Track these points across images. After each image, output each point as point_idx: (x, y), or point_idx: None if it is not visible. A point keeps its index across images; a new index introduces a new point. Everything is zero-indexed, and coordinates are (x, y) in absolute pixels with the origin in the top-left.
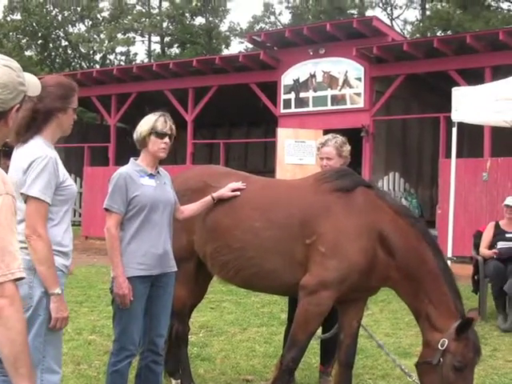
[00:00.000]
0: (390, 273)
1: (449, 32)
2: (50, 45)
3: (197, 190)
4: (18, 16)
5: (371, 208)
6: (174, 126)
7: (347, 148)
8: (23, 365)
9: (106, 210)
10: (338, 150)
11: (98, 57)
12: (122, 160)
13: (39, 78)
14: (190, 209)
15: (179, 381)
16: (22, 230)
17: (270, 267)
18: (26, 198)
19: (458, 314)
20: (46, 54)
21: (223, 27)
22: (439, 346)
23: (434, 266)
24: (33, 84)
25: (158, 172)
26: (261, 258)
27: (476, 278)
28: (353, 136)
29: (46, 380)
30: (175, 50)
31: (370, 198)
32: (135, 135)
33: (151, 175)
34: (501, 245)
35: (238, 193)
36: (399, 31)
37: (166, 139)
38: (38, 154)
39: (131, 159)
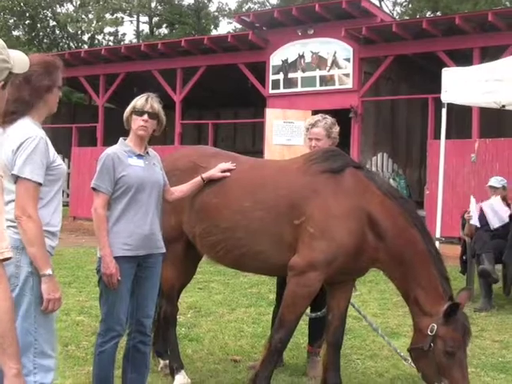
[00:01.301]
0: (378, 255)
1: (438, 13)
2: (38, 25)
3: (186, 171)
4: None
5: (360, 189)
6: (157, 106)
7: (336, 129)
8: (10, 344)
9: (94, 189)
10: (327, 131)
11: (86, 37)
12: (110, 140)
13: None
14: (179, 190)
15: (167, 361)
16: (10, 209)
17: (259, 248)
18: (17, 179)
19: (445, 297)
20: (33, 34)
21: (212, 7)
22: (429, 332)
23: (422, 248)
24: (20, 61)
25: (148, 153)
26: (250, 239)
27: (464, 258)
28: (341, 117)
29: (38, 364)
30: (164, 30)
31: (359, 179)
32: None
33: (139, 155)
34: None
35: (228, 173)
36: (388, 12)
37: (145, 116)
38: (28, 134)
39: (120, 139)
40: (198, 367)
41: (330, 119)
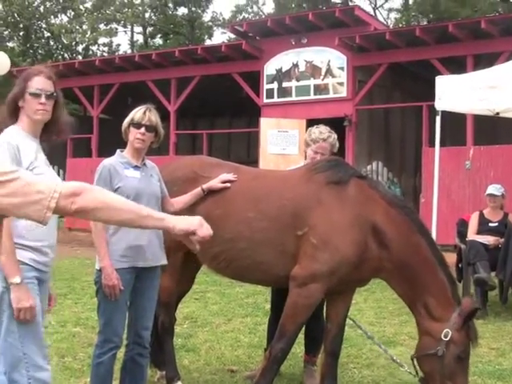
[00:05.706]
0: (382, 264)
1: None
2: (33, 36)
3: (187, 181)
4: None
5: (364, 200)
6: (155, 119)
7: (337, 146)
8: None
9: None
10: (332, 146)
11: (80, 48)
12: (105, 151)
13: (23, 70)
14: (180, 201)
15: (164, 372)
16: None
17: (262, 259)
18: None
19: (455, 302)
20: (28, 45)
21: (206, 17)
22: (442, 337)
23: (428, 256)
24: None
25: (145, 164)
26: (252, 250)
27: (460, 265)
28: (336, 125)
29: (33, 378)
30: (158, 40)
31: (362, 189)
32: None
33: (136, 167)
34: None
35: (229, 184)
36: (383, 20)
37: (142, 129)
38: None
39: (118, 151)
40: (194, 378)
41: (334, 135)
